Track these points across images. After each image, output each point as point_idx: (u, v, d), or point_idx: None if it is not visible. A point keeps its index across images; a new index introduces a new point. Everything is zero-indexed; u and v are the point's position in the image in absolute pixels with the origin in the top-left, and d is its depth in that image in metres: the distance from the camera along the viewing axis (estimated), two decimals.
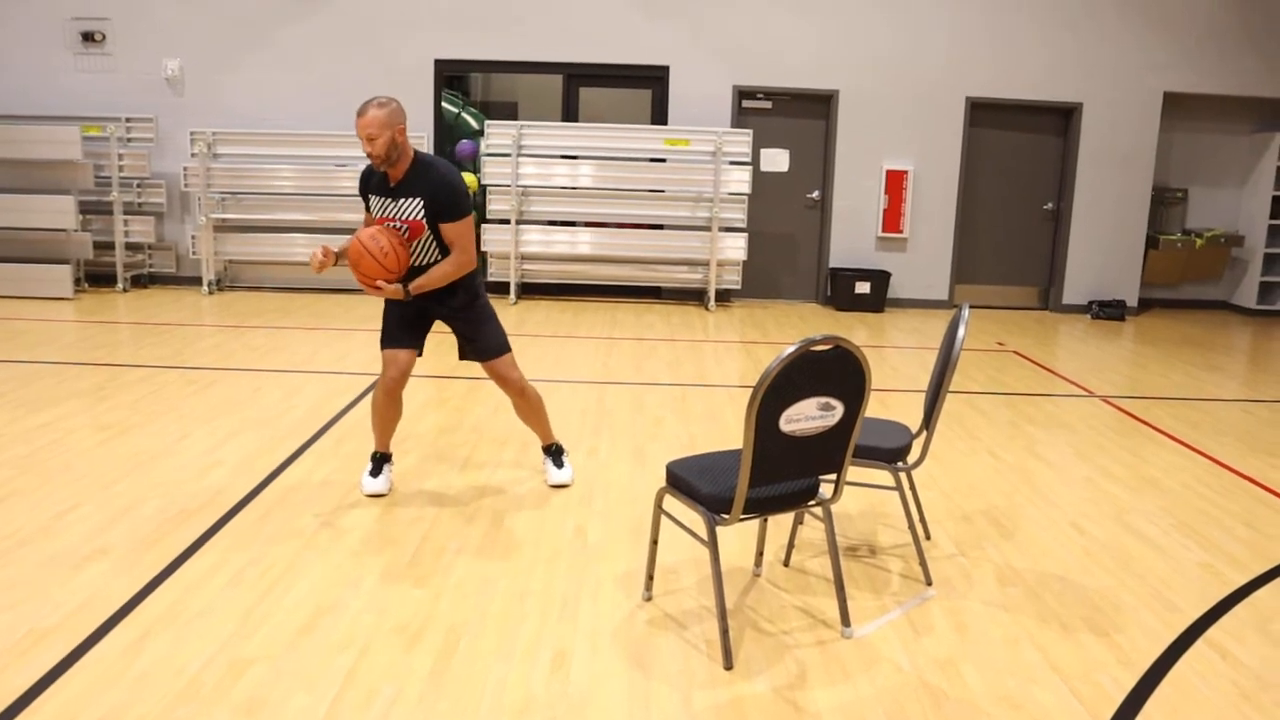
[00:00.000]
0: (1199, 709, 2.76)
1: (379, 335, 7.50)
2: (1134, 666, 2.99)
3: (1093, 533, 4.07)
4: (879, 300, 9.69)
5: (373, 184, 3.96)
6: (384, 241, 3.80)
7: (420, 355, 4.13)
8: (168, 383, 5.94)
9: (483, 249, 9.32)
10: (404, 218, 3.88)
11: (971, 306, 10.23)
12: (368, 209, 4.04)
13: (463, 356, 4.20)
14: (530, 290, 9.94)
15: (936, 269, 10.01)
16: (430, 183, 3.84)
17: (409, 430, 5.13)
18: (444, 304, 4.04)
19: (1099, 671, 2.95)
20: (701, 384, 6.39)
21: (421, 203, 3.85)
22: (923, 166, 9.81)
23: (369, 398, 5.73)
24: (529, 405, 4.26)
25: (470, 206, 3.93)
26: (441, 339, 7.26)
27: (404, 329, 4.04)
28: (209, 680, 2.73)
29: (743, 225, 9.48)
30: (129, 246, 9.63)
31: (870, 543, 3.88)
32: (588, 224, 9.63)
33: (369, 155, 3.76)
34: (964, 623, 3.23)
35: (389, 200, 3.90)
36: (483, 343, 4.09)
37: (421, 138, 9.44)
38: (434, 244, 3.93)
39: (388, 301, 4.08)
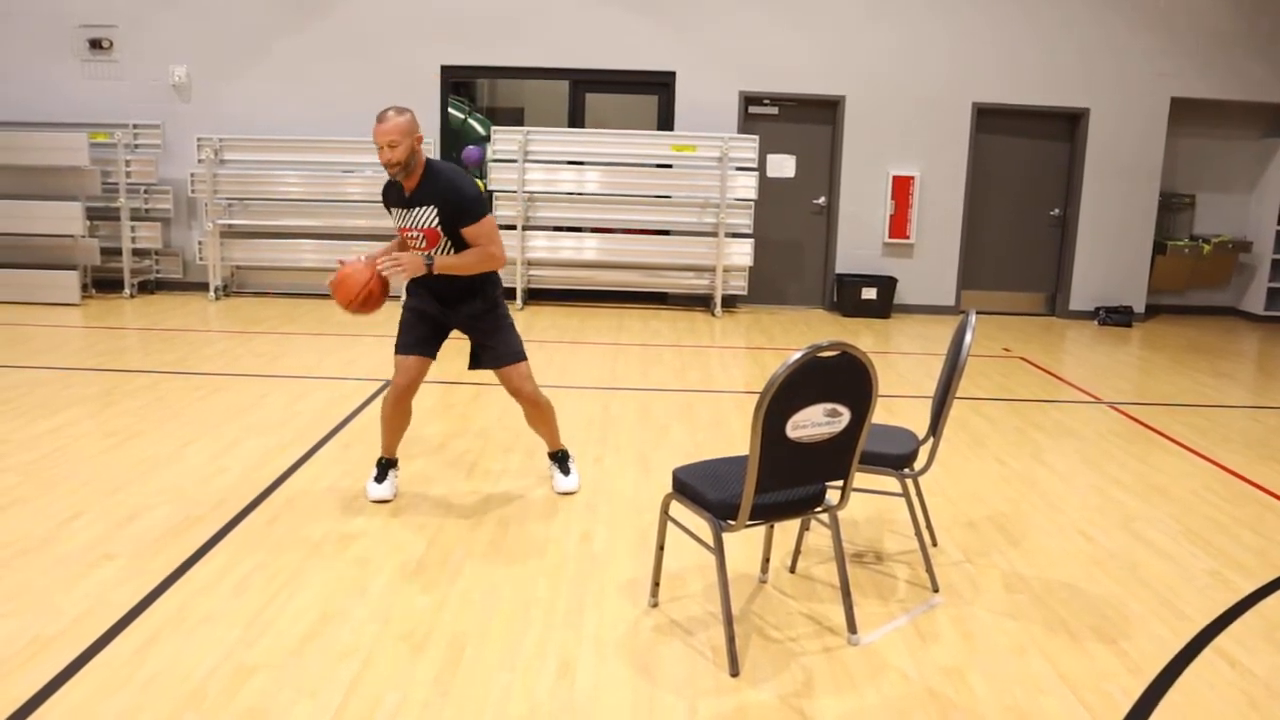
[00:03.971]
0: (1208, 717, 2.74)
1: (394, 340, 7.55)
2: (1142, 675, 2.97)
3: (1100, 540, 4.05)
4: (885, 306, 9.68)
5: (391, 196, 4.00)
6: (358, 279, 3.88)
7: (434, 360, 4.13)
8: (174, 388, 5.95)
9: None
10: (420, 226, 3.91)
11: (978, 312, 10.21)
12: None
13: (473, 365, 4.18)
14: (536, 296, 9.94)
15: (943, 275, 9.99)
16: (439, 190, 3.84)
17: (414, 436, 5.13)
18: (462, 310, 4.04)
19: (1107, 680, 2.93)
20: (708, 390, 6.38)
21: (435, 210, 3.85)
22: (929, 172, 9.80)
23: (377, 402, 5.73)
24: (540, 414, 4.26)
25: (486, 207, 3.93)
26: (449, 344, 7.26)
27: (419, 337, 4.04)
28: (214, 687, 2.73)
29: (749, 231, 9.47)
30: (136, 252, 9.65)
31: (877, 549, 3.87)
32: (594, 229, 9.63)
33: (386, 164, 3.77)
34: (971, 630, 3.21)
35: (405, 210, 3.93)
36: (499, 350, 4.08)
37: (429, 144, 9.45)
38: (452, 251, 3.92)
39: (407, 308, 4.09)
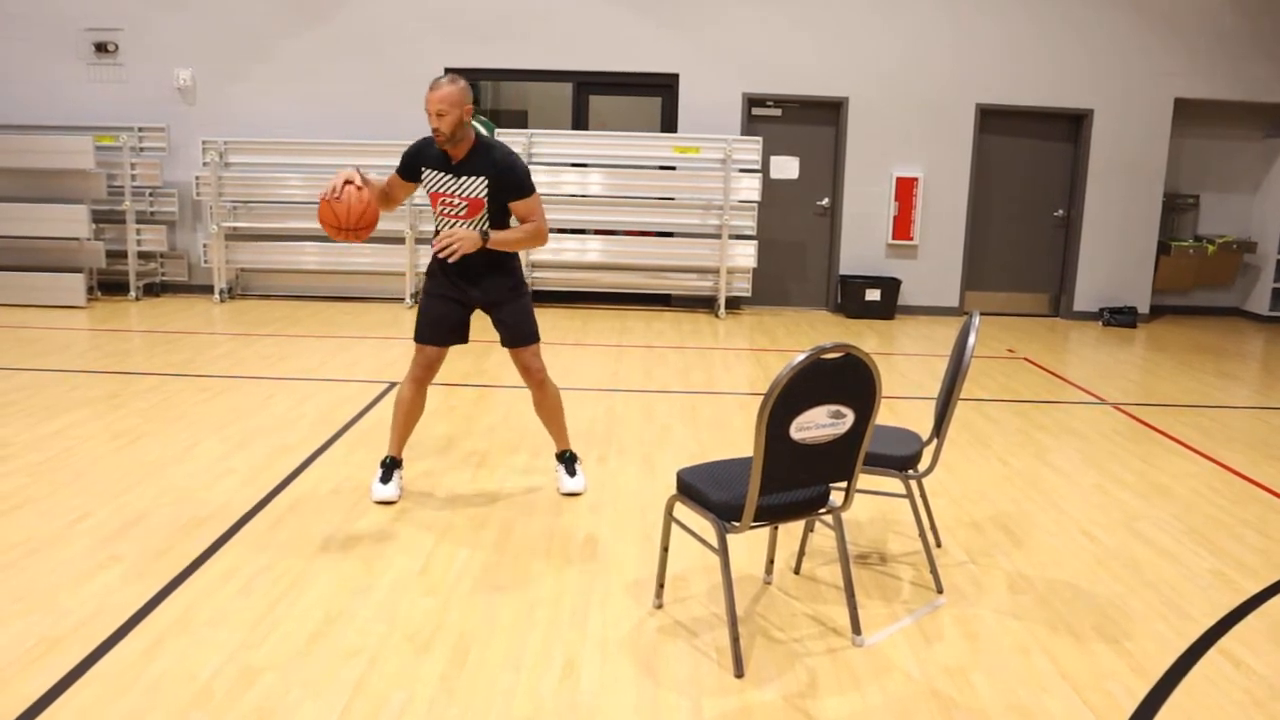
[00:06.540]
0: (1212, 718, 2.74)
1: (397, 341, 7.58)
2: (1146, 675, 2.98)
3: (1103, 540, 4.05)
4: (889, 307, 9.68)
5: (427, 158, 4.02)
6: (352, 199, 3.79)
7: (466, 342, 4.22)
8: (179, 391, 5.97)
9: None
10: (465, 195, 3.97)
11: (982, 313, 10.20)
12: (405, 178, 4.07)
13: (505, 343, 4.26)
14: (540, 297, 9.95)
15: (947, 276, 9.99)
16: (494, 164, 3.95)
17: (419, 437, 5.14)
18: (488, 288, 4.10)
19: (1110, 680, 2.94)
20: (711, 391, 6.39)
21: (485, 182, 3.95)
22: (933, 173, 9.80)
23: (382, 404, 5.75)
24: (548, 401, 4.30)
25: (533, 185, 4.03)
26: (458, 348, 7.27)
27: (440, 324, 4.11)
28: (220, 688, 2.74)
29: (752, 233, 9.48)
30: (141, 255, 9.67)
31: (881, 550, 3.87)
32: (597, 231, 9.64)
33: (435, 131, 3.83)
34: (975, 631, 3.22)
35: (449, 177, 3.97)
36: (518, 329, 4.15)
37: None
38: (488, 223, 4.01)
39: (426, 293, 4.14)
